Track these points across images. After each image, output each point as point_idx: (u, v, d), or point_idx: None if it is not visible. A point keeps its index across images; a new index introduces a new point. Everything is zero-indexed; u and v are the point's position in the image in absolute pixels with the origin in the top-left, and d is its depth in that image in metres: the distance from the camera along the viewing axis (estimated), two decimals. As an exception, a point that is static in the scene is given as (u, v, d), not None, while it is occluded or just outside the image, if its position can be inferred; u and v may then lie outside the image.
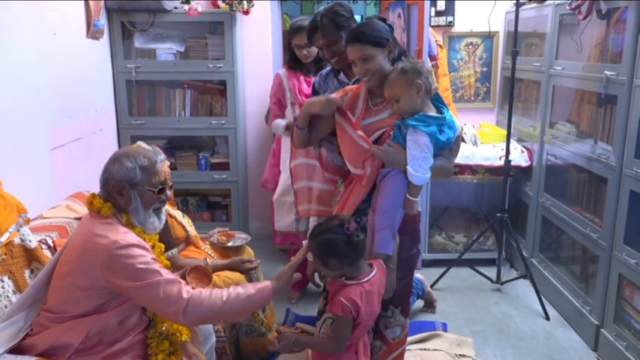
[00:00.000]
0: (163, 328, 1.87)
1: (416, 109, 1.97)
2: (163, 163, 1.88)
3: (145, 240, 1.85)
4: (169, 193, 1.90)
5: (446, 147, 2.03)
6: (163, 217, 1.92)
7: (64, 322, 1.77)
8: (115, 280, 1.70)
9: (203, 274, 2.14)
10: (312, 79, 3.19)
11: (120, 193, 1.80)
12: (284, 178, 3.41)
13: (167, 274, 1.74)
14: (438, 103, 2.03)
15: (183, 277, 2.03)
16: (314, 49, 3.14)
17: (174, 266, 2.13)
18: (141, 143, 2.61)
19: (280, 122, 3.38)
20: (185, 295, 1.69)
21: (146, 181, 1.80)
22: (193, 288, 1.88)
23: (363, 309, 1.82)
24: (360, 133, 2.06)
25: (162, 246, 2.05)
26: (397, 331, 2.24)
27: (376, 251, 2.00)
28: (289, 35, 3.22)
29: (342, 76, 2.51)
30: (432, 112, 1.99)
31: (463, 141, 4.02)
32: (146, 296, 1.72)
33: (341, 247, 1.82)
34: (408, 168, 1.94)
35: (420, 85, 1.95)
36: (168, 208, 2.57)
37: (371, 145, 2.02)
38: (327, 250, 1.83)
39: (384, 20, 2.13)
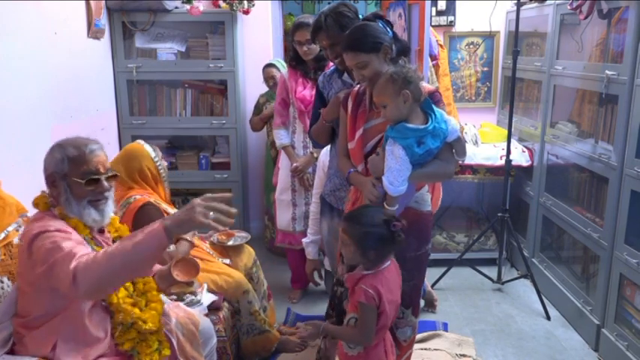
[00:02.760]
0: (120, 318, 1.79)
1: (402, 117, 1.92)
2: (95, 153, 1.78)
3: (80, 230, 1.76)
4: (106, 184, 1.79)
5: (427, 158, 1.96)
6: (108, 209, 1.82)
7: (33, 329, 1.73)
8: (39, 270, 1.63)
9: (191, 266, 2.11)
10: (310, 83, 3.19)
11: (53, 184, 1.77)
12: (282, 175, 3.41)
13: (69, 248, 1.60)
14: (427, 109, 1.96)
15: (169, 272, 1.97)
16: (315, 47, 3.13)
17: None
18: (140, 142, 2.61)
19: (283, 139, 3.35)
20: (72, 265, 1.54)
21: (74, 172, 1.74)
22: (180, 283, 1.85)
23: (385, 296, 1.84)
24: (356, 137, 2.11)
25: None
26: (408, 331, 2.22)
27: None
28: (291, 31, 3.21)
29: (346, 76, 2.48)
30: (419, 121, 1.93)
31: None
32: (53, 278, 1.60)
33: (386, 243, 1.85)
34: (383, 179, 1.92)
35: (408, 96, 1.89)
36: (166, 207, 2.57)
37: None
38: (372, 244, 1.84)
39: (380, 17, 2.09)
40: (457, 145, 2.02)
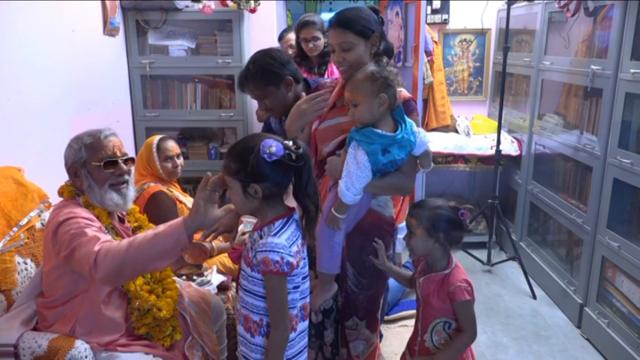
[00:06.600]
0: (137, 304, 1.77)
1: (371, 121, 1.67)
2: (110, 138, 1.79)
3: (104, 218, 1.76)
4: (124, 166, 1.78)
5: (389, 168, 1.70)
6: (130, 193, 1.81)
7: (54, 308, 1.74)
8: (63, 254, 1.63)
9: (200, 251, 2.08)
10: (314, 76, 3.17)
11: (76, 175, 1.77)
12: None
13: (93, 233, 1.61)
14: (398, 117, 1.69)
15: (181, 255, 1.94)
16: (320, 43, 3.13)
17: None
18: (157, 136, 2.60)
19: None
20: (96, 248, 1.55)
21: (92, 158, 1.74)
22: (190, 265, 1.81)
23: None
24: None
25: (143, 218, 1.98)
26: (359, 346, 1.94)
27: (319, 270, 1.80)
28: (296, 30, 3.20)
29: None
30: (387, 128, 1.68)
31: (456, 132, 4.00)
32: (75, 261, 1.60)
33: (455, 227, 1.71)
34: (340, 183, 1.67)
35: (385, 100, 1.64)
36: (177, 194, 2.57)
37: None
38: (440, 225, 1.69)
39: (375, 11, 1.83)
40: (424, 158, 1.76)
